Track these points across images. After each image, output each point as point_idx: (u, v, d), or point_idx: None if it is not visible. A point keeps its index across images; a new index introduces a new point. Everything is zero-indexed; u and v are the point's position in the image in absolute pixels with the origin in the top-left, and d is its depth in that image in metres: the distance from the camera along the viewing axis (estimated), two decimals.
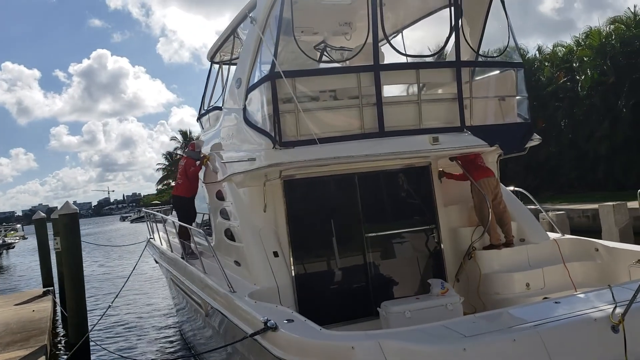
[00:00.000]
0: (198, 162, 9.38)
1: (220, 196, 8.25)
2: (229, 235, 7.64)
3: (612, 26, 30.50)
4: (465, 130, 7.04)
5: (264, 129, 6.72)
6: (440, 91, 7.67)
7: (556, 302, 5.18)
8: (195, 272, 7.93)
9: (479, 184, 7.64)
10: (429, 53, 8.42)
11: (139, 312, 16.13)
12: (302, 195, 7.49)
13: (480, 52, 7.86)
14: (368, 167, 7.64)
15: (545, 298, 6.52)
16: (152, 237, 13.33)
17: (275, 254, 6.88)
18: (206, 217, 9.24)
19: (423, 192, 8.03)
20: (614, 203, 13.62)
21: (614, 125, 28.30)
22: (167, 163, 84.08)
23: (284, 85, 6.47)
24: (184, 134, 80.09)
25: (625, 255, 7.08)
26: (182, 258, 9.02)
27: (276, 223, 7.26)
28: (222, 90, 9.10)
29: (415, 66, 7.10)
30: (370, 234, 7.57)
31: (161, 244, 11.60)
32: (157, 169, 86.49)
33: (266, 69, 7.82)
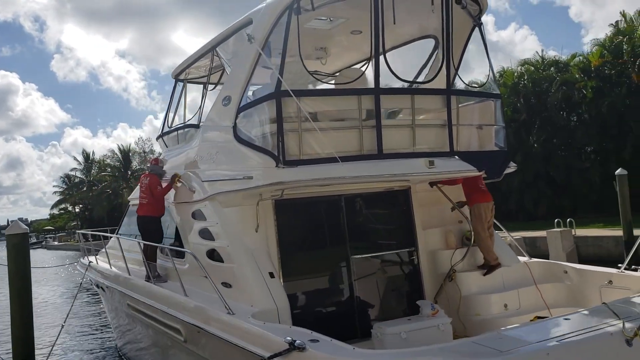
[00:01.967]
0: (164, 181, 9.03)
1: (199, 216, 7.96)
2: (214, 256, 7.37)
3: (522, 67, 32.88)
4: (454, 155, 7.30)
5: (264, 147, 6.62)
6: (422, 117, 7.91)
7: (566, 319, 5.45)
8: (172, 296, 7.57)
9: (482, 207, 7.91)
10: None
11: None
12: (292, 216, 7.44)
13: (462, 81, 8.24)
14: (353, 189, 7.72)
15: (539, 317, 6.84)
16: (84, 260, 12.59)
17: (271, 275, 6.74)
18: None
19: (403, 215, 8.20)
20: (561, 229, 14.62)
21: (525, 159, 30.29)
22: (64, 186, 79.49)
23: (288, 104, 6.44)
24: (86, 155, 76.56)
25: (595, 277, 7.56)
26: (148, 281, 8.59)
27: (267, 243, 7.13)
28: (199, 108, 8.86)
29: (411, 91, 7.32)
30: (355, 256, 7.64)
31: (110, 267, 10.95)
32: (54, 192, 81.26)
33: (256, 87, 7.81)
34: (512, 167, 8.00)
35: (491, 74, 8.11)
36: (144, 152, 73.82)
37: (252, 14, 7.32)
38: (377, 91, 6.80)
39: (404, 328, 6.53)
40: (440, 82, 7.57)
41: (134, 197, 11.21)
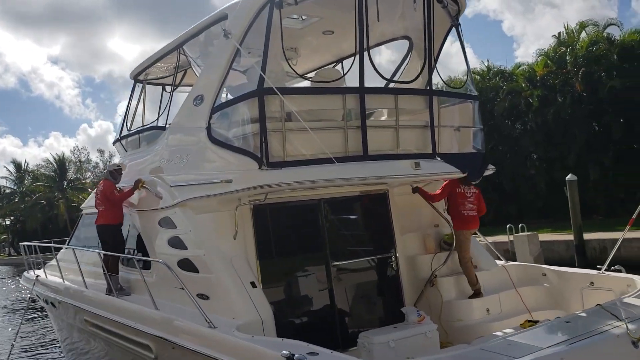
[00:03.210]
0: (121, 187, 8.46)
1: (167, 224, 7.44)
2: (187, 266, 6.88)
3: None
4: (436, 157, 7.12)
5: (244, 148, 6.24)
6: (404, 118, 7.70)
7: (567, 322, 5.33)
8: (139, 309, 7.02)
9: (467, 234, 7.69)
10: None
11: None
12: (271, 222, 7.05)
13: (438, 81, 8.10)
14: (332, 192, 7.43)
15: (529, 322, 6.71)
16: (29, 274, 11.74)
17: (253, 285, 6.32)
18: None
19: (382, 220, 7.96)
20: (528, 234, 14.79)
21: None
22: None
23: (271, 102, 6.09)
24: (17, 165, 72.69)
25: (576, 279, 7.54)
26: (111, 294, 7.99)
27: (246, 251, 6.72)
28: (166, 109, 8.36)
29: (395, 91, 7.09)
30: (335, 263, 7.33)
31: (63, 281, 10.19)
32: None
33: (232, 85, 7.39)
34: (490, 170, 7.90)
35: (469, 76, 8.02)
36: (80, 161, 71.28)
37: (227, 8, 6.92)
38: (362, 90, 6.54)
39: (392, 337, 6.26)
40: (418, 84, 7.40)
41: (88, 205, 10.51)
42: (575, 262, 18.36)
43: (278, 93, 5.96)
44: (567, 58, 26.97)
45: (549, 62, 28.21)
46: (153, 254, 7.66)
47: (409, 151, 7.00)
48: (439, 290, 7.65)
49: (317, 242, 7.33)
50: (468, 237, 7.71)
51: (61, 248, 10.68)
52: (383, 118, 7.59)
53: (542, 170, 29.19)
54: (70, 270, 9.60)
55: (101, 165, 68.74)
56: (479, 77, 32.90)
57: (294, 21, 8.33)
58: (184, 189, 7.13)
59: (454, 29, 7.79)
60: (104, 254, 8.32)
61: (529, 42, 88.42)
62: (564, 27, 28.96)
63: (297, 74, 6.71)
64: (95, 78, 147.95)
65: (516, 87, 29.85)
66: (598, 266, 7.46)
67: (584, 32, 28.33)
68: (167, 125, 8.19)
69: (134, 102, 9.81)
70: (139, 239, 8.42)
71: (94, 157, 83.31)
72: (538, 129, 28.31)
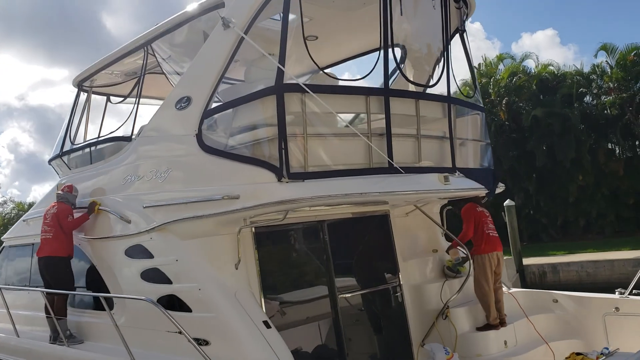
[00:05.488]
0: (74, 210, 7.01)
1: (138, 253, 6.07)
2: (174, 304, 5.55)
3: None
4: (456, 171, 6.35)
5: (257, 157, 5.13)
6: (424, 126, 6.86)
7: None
8: None
9: (485, 259, 6.92)
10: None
11: None
12: (273, 248, 5.95)
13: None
14: (334, 213, 6.45)
15: (577, 354, 6.02)
16: None
17: (267, 324, 5.14)
18: None
19: (384, 245, 7.06)
20: (505, 258, 14.31)
21: None
22: None
23: (291, 102, 5.06)
24: None
25: (596, 304, 6.97)
26: (56, 343, 6.49)
27: (249, 283, 5.55)
28: (132, 117, 7.01)
29: (418, 96, 6.25)
30: (342, 295, 6.32)
31: None
32: None
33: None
34: (500, 187, 7.25)
35: (475, 85, 7.41)
36: None
37: None
38: (387, 92, 5.66)
39: None
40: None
41: (16, 235, 8.78)
42: (520, 286, 18.29)
43: (306, 89, 4.96)
44: (490, 89, 27.69)
45: (470, 92, 28.77)
46: (117, 291, 6.27)
47: (429, 164, 6.19)
48: (453, 323, 6.81)
49: (322, 270, 6.31)
50: (493, 262, 6.95)
51: None
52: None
53: None
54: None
55: None
56: None
57: (277, 23, 7.36)
58: (162, 209, 5.85)
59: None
60: (48, 293, 6.77)
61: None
62: (483, 59, 29.89)
63: (318, 67, 5.72)
64: None
65: None
66: (619, 290, 6.93)
67: (501, 64, 29.38)
68: (133, 137, 6.85)
69: (78, 112, 8.33)
70: (90, 273, 6.97)
71: None
72: None
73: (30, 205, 43.59)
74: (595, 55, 26.25)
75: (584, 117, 25.32)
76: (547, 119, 25.07)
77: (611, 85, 25.23)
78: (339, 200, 5.23)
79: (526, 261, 19.57)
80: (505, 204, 19.24)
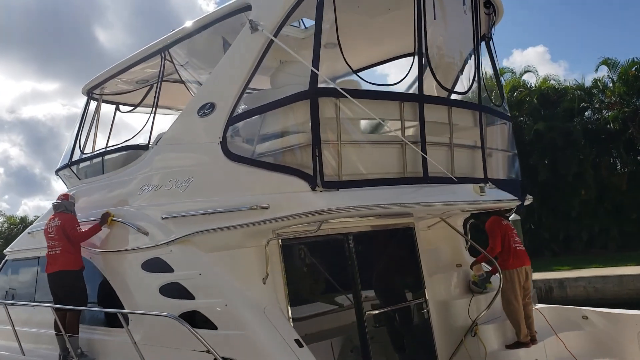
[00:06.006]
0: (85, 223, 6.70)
1: (157, 267, 5.77)
2: (197, 321, 5.24)
3: None
4: (487, 182, 6.10)
5: (288, 165, 4.87)
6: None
7: None
8: None
9: (514, 274, 6.67)
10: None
11: None
12: (300, 261, 5.68)
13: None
14: (359, 225, 6.19)
15: None
16: None
17: (299, 343, 4.83)
18: None
19: (410, 259, 6.80)
20: None
21: None
22: None
23: (325, 107, 4.81)
24: None
25: (631, 321, 6.70)
26: None
27: (277, 298, 5.26)
28: (150, 126, 6.74)
29: (451, 103, 6.02)
30: (369, 312, 6.05)
31: None
32: None
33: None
34: (529, 199, 7.00)
35: (501, 94, 7.20)
36: None
37: None
38: (422, 98, 5.42)
39: None
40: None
41: (25, 247, 8.44)
42: None
43: (345, 94, 4.71)
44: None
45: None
46: (132, 306, 5.96)
47: (461, 174, 5.93)
48: (482, 340, 6.53)
49: (349, 285, 6.03)
50: (522, 277, 6.69)
51: None
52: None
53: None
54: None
55: None
56: None
57: (295, 30, 7.13)
58: (183, 220, 5.57)
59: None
60: (58, 309, 6.44)
61: None
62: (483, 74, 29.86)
63: (351, 69, 5.46)
64: None
65: None
66: None
67: (502, 78, 29.39)
68: (150, 145, 6.57)
69: (88, 121, 8.06)
70: (101, 288, 6.66)
71: None
72: None
73: (22, 219, 43.12)
74: (596, 70, 26.35)
75: (586, 131, 25.24)
76: (549, 133, 24.98)
77: (613, 99, 25.18)
78: (376, 210, 4.97)
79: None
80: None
